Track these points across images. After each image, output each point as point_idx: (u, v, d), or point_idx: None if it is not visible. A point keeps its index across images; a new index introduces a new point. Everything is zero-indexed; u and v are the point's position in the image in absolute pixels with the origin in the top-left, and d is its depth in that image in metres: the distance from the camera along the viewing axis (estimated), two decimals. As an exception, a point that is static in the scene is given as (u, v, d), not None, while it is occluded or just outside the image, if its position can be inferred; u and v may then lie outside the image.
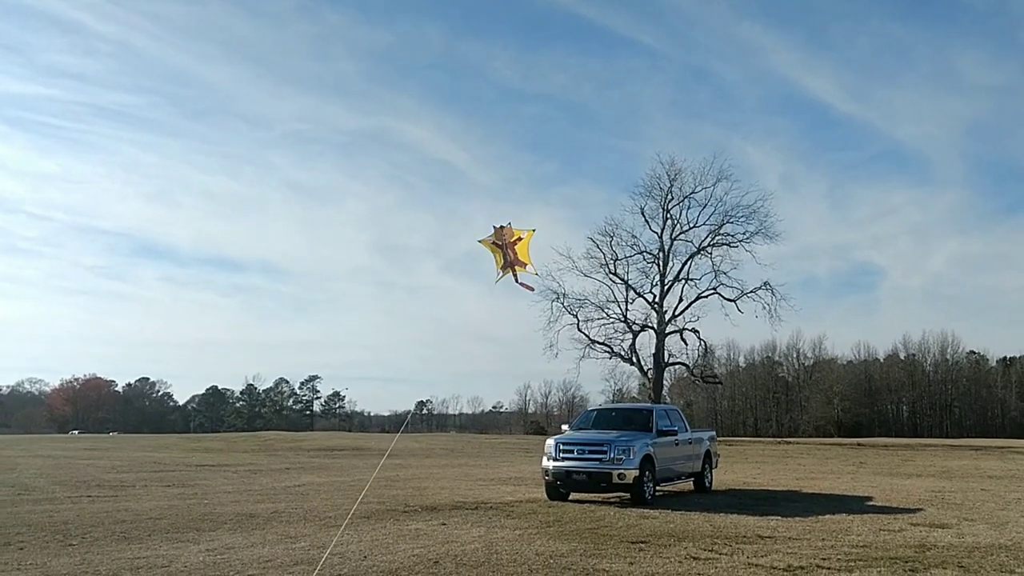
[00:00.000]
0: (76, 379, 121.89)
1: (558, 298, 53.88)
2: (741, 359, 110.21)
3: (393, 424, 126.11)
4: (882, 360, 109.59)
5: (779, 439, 65.08)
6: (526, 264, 10.57)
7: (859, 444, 52.89)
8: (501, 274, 10.57)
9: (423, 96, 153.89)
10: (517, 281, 10.67)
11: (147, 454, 31.83)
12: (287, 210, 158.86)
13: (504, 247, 10.48)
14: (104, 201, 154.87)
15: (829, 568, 8.92)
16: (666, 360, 56.09)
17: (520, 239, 10.52)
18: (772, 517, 13.48)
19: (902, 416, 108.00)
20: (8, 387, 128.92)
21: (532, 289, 11.09)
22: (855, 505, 15.73)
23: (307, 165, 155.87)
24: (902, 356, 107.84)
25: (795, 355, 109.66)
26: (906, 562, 9.27)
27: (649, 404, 24.24)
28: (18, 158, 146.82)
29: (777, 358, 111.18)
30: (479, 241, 10.73)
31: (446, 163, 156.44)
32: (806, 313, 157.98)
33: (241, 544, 10.43)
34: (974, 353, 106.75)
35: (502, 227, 10.57)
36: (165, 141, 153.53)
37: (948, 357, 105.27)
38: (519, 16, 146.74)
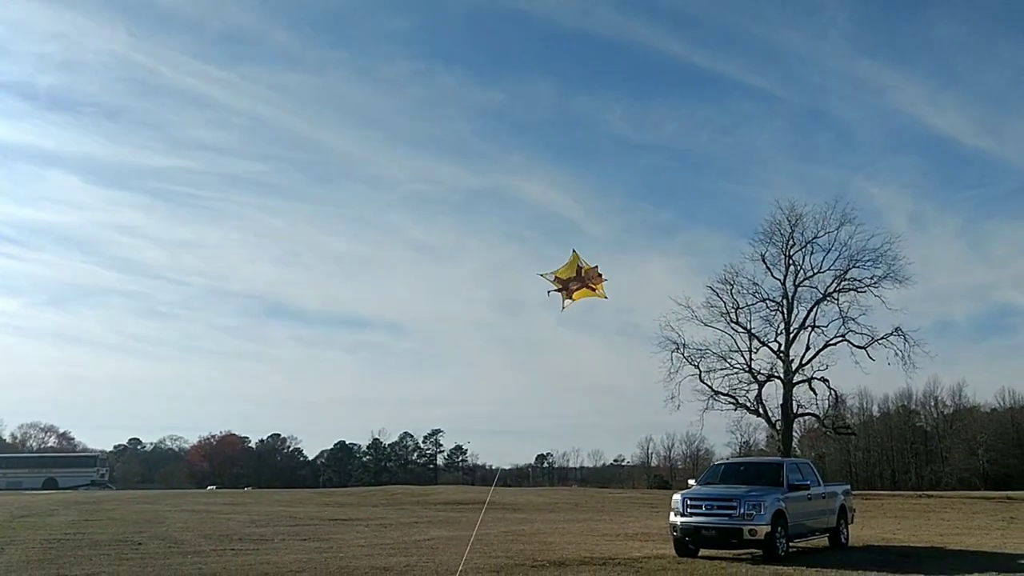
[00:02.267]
0: (212, 436, 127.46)
1: (678, 348, 53.15)
2: (875, 408, 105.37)
3: (514, 477, 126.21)
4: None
5: (919, 492, 61.64)
6: (573, 300, 10.95)
7: (1008, 497, 49.52)
8: (553, 278, 10.95)
9: (536, 151, 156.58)
10: (560, 294, 10.87)
11: (282, 508, 32.99)
12: (408, 268, 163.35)
13: (578, 277, 10.80)
14: (236, 265, 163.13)
15: (979, 630, 8.54)
16: (794, 411, 54.27)
17: (592, 289, 10.87)
18: (915, 575, 12.92)
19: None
20: (151, 444, 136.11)
21: (559, 294, 11.40)
22: (1005, 563, 14.91)
23: (426, 224, 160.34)
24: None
25: (933, 403, 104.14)
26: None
27: (779, 458, 23.65)
28: (158, 227, 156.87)
29: (914, 407, 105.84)
30: (574, 250, 11.00)
31: (560, 216, 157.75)
32: (944, 358, 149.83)
33: (378, 597, 10.78)
34: None
35: (595, 267, 10.89)
36: (292, 205, 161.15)
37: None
38: (630, 67, 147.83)
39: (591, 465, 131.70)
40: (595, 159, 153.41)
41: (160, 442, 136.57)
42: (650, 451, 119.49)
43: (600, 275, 11.04)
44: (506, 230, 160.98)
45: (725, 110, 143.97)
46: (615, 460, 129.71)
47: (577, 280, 10.67)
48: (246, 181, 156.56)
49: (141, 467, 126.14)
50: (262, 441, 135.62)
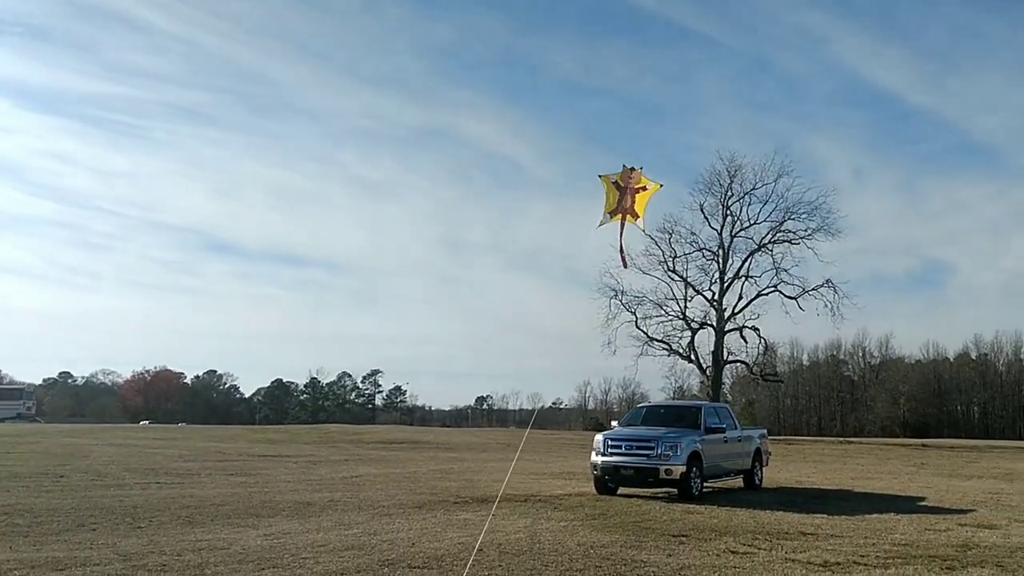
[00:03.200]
0: (147, 371, 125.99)
1: (616, 295, 53.94)
2: (805, 357, 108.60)
3: (453, 418, 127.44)
4: (952, 360, 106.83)
5: (841, 439, 64.03)
6: (639, 217, 9.98)
7: (923, 445, 51.84)
8: (607, 218, 9.99)
9: (484, 91, 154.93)
10: (621, 237, 9.99)
11: (213, 444, 32.94)
12: (350, 205, 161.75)
13: (625, 190, 9.96)
14: (174, 196, 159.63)
15: (866, 565, 9.04)
16: (725, 358, 55.74)
17: (645, 188, 9.99)
18: (818, 515, 13.54)
19: (972, 417, 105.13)
20: (83, 378, 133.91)
21: (626, 266, 10.67)
22: (905, 505, 15.66)
23: (370, 161, 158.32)
24: (973, 356, 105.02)
25: (861, 354, 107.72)
26: (944, 560, 9.33)
27: (698, 401, 24.35)
28: (92, 155, 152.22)
29: (842, 356, 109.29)
30: (600, 176, 10.12)
31: (507, 158, 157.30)
32: (875, 310, 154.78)
33: (297, 530, 10.95)
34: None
35: (632, 169, 10.05)
36: (232, 137, 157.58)
37: (1022, 357, 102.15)
38: (580, 9, 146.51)
39: (530, 407, 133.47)
40: (544, 101, 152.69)
41: (92, 376, 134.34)
42: (587, 395, 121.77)
43: (632, 169, 10.02)
44: (452, 169, 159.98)
45: (673, 57, 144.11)
46: (554, 403, 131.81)
47: (625, 193, 9.84)
48: (185, 111, 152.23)
49: (72, 401, 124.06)
50: (198, 377, 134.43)
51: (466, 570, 8.16)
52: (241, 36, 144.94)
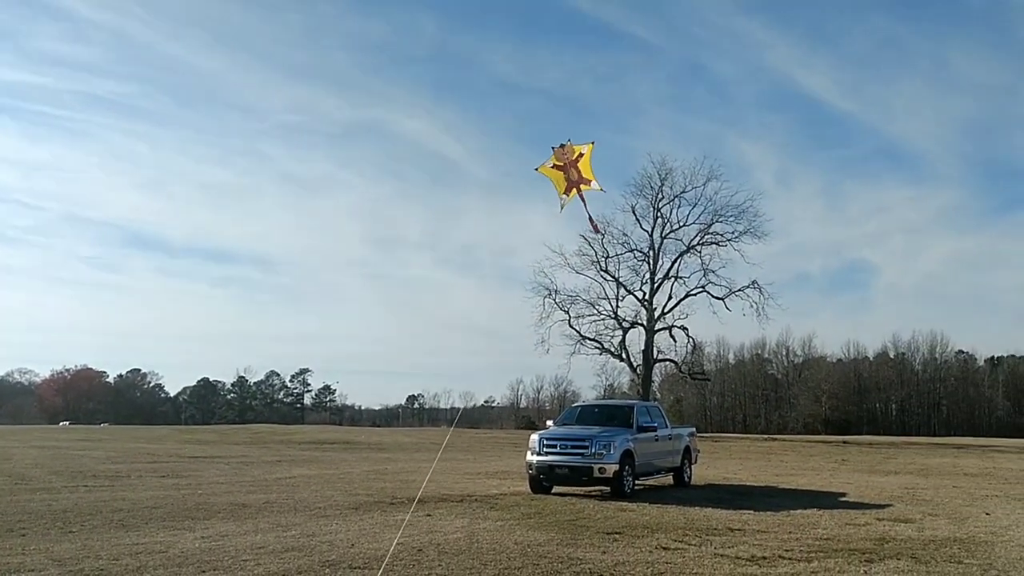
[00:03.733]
0: (67, 370, 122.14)
1: (550, 294, 54.50)
2: (731, 356, 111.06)
3: (383, 418, 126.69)
4: (872, 358, 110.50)
5: (766, 436, 65.75)
6: (591, 180, 10.04)
7: (844, 442, 53.56)
8: (566, 198, 10.09)
9: (418, 88, 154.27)
10: (587, 209, 10.10)
11: (141, 445, 32.27)
12: (280, 201, 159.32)
13: (567, 167, 10.04)
14: (97, 191, 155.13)
15: (791, 559, 9.47)
16: (655, 357, 56.72)
17: (581, 155, 10.04)
18: (745, 511, 14.03)
19: (891, 414, 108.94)
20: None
21: (602, 233, 10.70)
22: (828, 501, 16.30)
23: (301, 156, 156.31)
24: (891, 355, 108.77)
25: (785, 353, 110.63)
26: (863, 553, 9.83)
27: (630, 401, 24.83)
28: (10, 146, 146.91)
29: (767, 355, 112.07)
30: (536, 169, 10.20)
31: (441, 156, 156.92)
32: (799, 310, 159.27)
33: (235, 532, 10.93)
34: (963, 352, 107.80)
35: (562, 145, 10.09)
36: (158, 130, 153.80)
37: (937, 356, 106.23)
38: (515, 8, 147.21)
39: (462, 406, 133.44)
40: (478, 99, 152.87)
41: (8, 375, 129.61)
42: (520, 393, 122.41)
43: (562, 146, 10.01)
44: (384, 166, 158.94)
45: (607, 59, 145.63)
46: (486, 401, 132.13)
47: (567, 168, 9.91)
48: (108, 102, 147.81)
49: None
50: (120, 376, 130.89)
51: (380, 571, 8.31)
52: (167, 26, 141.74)
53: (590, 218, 9.96)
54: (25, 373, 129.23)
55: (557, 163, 9.96)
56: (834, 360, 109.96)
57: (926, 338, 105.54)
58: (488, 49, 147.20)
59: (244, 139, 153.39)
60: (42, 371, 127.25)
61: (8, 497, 14.56)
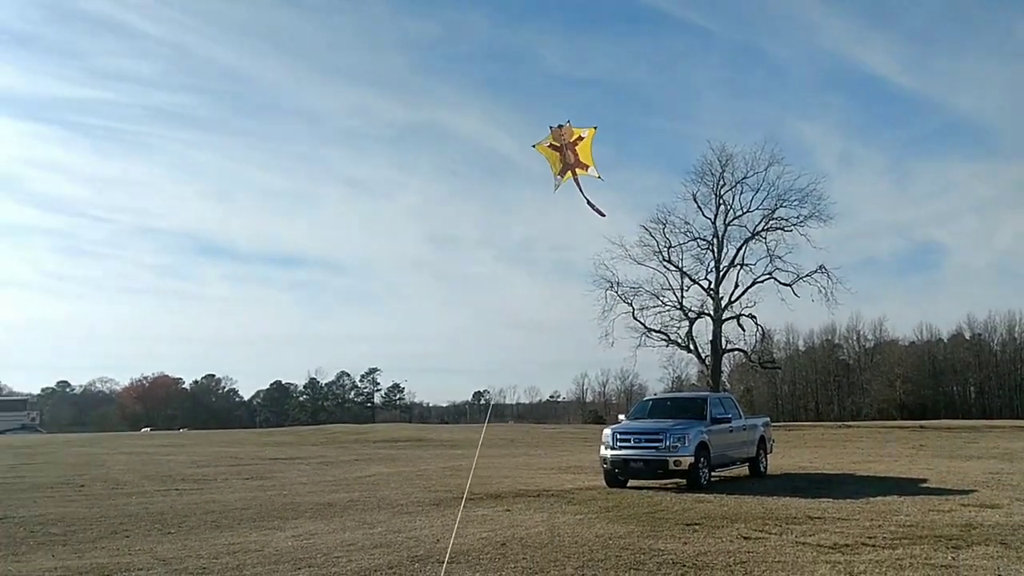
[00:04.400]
0: (145, 377, 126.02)
1: (612, 286, 54.37)
2: (800, 343, 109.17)
3: (451, 414, 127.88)
4: (946, 341, 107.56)
5: (840, 423, 64.60)
6: (588, 166, 9.69)
7: (921, 427, 52.34)
8: (559, 180, 9.76)
9: (470, 86, 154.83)
10: (582, 191, 9.65)
11: (222, 449, 33.28)
12: (342, 205, 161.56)
13: (563, 148, 9.72)
14: (165, 201, 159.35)
15: (874, 546, 9.45)
16: (723, 347, 56.22)
17: (581, 138, 9.71)
18: (824, 499, 13.96)
19: (969, 397, 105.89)
20: (81, 386, 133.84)
21: (604, 214, 10.35)
22: (908, 487, 16.08)
23: (359, 160, 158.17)
24: (967, 336, 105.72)
25: (855, 337, 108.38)
26: (950, 540, 9.75)
27: (703, 392, 24.78)
28: (83, 162, 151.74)
29: (837, 341, 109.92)
30: (533, 146, 9.89)
31: (496, 152, 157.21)
32: (868, 294, 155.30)
33: (323, 530, 11.34)
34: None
35: (560, 126, 9.80)
36: (220, 140, 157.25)
37: (1016, 336, 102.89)
38: (566, 0, 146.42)
39: (527, 401, 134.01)
40: (530, 94, 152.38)
41: (90, 384, 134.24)
42: (585, 387, 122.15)
43: (560, 126, 9.69)
44: (441, 165, 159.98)
45: (660, 45, 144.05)
46: (551, 396, 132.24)
47: (564, 150, 9.61)
48: (171, 114, 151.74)
49: (71, 410, 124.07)
50: (196, 382, 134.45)
51: (443, 566, 8.54)
52: (225, 37, 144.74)
53: (588, 203, 9.65)
54: (106, 382, 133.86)
55: (554, 143, 9.69)
56: (907, 343, 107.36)
57: (1004, 318, 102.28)
58: (540, 43, 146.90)
59: (304, 145, 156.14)
60: (122, 379, 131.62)
61: (108, 501, 15.26)
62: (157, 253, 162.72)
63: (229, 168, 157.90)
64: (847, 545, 9.51)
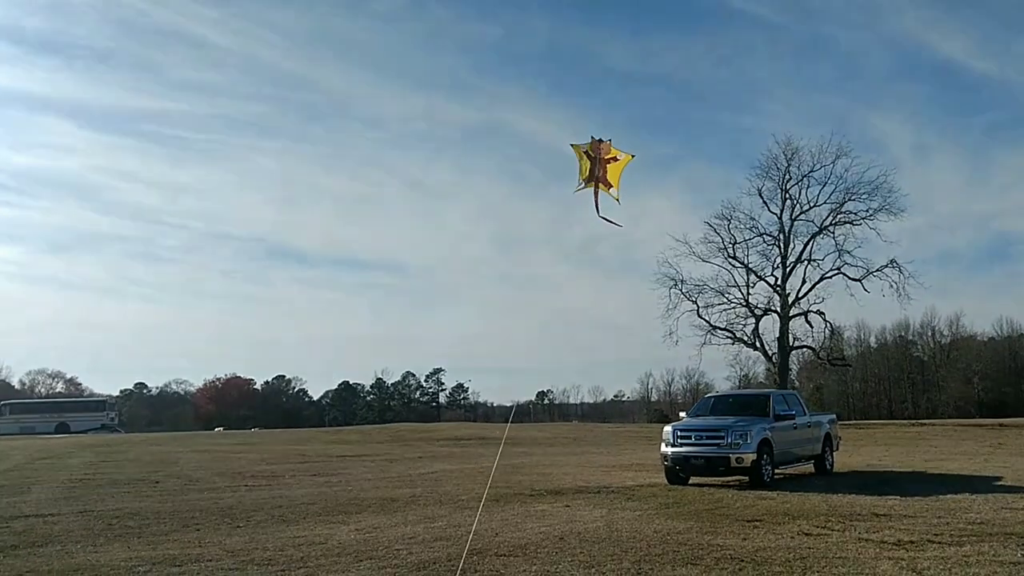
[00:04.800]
0: (218, 379, 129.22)
1: (676, 284, 53.73)
2: (872, 340, 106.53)
3: (515, 414, 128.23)
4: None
5: (913, 421, 62.93)
6: (612, 186, 9.84)
7: (1000, 425, 50.63)
8: (582, 184, 9.89)
9: (532, 86, 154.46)
10: (597, 204, 9.84)
11: (291, 447, 33.96)
12: (407, 207, 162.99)
13: (596, 160, 9.88)
14: (235, 207, 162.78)
15: (940, 543, 9.27)
16: (791, 344, 55.20)
17: (616, 159, 9.91)
18: (890, 497, 13.69)
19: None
20: (157, 388, 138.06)
21: (620, 225, 10.33)
22: (981, 485, 15.65)
23: (424, 163, 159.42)
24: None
25: (930, 333, 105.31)
26: (1021, 537, 9.50)
27: (766, 389, 24.47)
28: (157, 171, 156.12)
29: (911, 337, 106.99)
30: (572, 144, 10.02)
31: (558, 151, 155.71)
32: (944, 289, 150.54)
33: (386, 524, 11.56)
34: None
35: (600, 140, 9.92)
36: (288, 146, 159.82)
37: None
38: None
39: (591, 401, 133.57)
40: (593, 93, 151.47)
41: (166, 386, 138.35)
42: (650, 386, 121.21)
43: (600, 140, 9.86)
44: (504, 166, 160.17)
45: (725, 40, 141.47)
46: (616, 396, 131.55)
47: (596, 164, 9.75)
48: (241, 122, 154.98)
49: (148, 411, 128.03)
50: (267, 383, 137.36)
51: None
52: (292, 46, 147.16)
53: (600, 215, 9.66)
54: (181, 383, 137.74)
55: (590, 152, 9.85)
56: (985, 339, 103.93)
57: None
58: (601, 40, 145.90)
59: (370, 150, 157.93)
60: (196, 381, 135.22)
61: (180, 496, 15.77)
62: (228, 258, 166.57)
63: (297, 174, 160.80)
64: (912, 542, 9.34)
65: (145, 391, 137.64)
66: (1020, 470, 18.89)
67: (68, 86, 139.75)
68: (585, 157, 9.81)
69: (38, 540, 10.60)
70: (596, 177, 9.67)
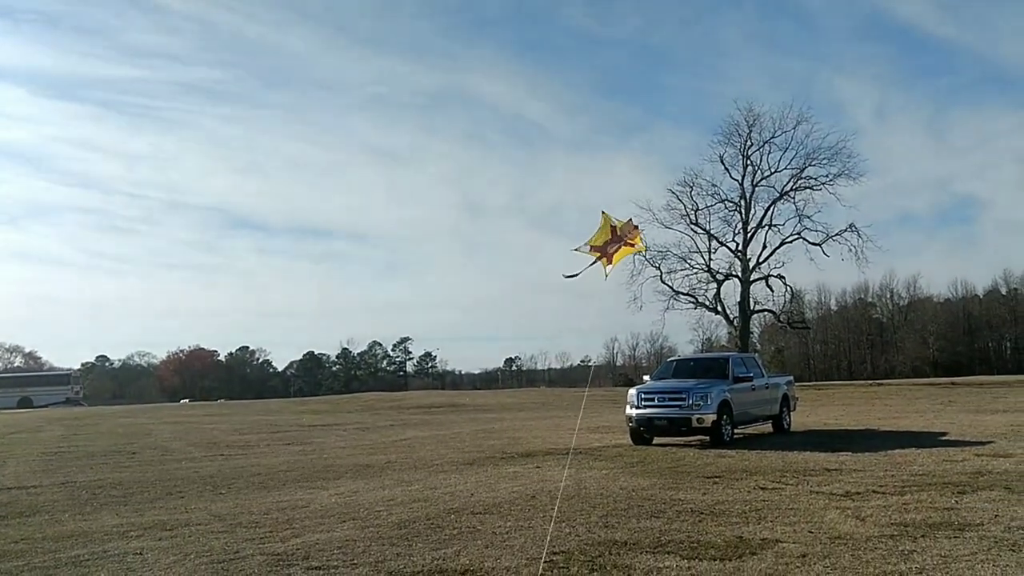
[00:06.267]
0: (182, 351, 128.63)
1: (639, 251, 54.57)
2: (833, 302, 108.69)
3: (483, 381, 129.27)
4: (982, 296, 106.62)
5: (871, 381, 64.69)
6: (611, 265, 10.05)
7: (953, 383, 52.31)
8: (586, 248, 10.03)
9: (496, 50, 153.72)
10: (584, 269, 9.96)
11: (261, 417, 34.33)
12: (370, 174, 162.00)
13: (619, 240, 10.08)
14: (195, 176, 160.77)
15: (884, 493, 9.98)
16: (752, 308, 56.34)
17: (633, 246, 10.14)
18: (843, 453, 14.47)
19: (1005, 353, 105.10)
20: (120, 361, 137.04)
21: (600, 263, 10.48)
22: (927, 440, 16.53)
23: (387, 128, 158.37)
24: (1003, 291, 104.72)
25: (889, 295, 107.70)
26: (957, 486, 10.25)
27: (726, 353, 25.31)
28: (115, 139, 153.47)
29: (870, 299, 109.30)
30: (603, 212, 10.30)
31: (523, 116, 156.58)
32: (904, 251, 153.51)
33: (364, 488, 12.06)
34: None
35: (636, 226, 10.18)
36: (249, 113, 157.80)
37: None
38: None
39: (559, 367, 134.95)
40: (558, 56, 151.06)
41: (128, 358, 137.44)
42: (615, 351, 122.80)
43: (636, 227, 10.28)
44: (469, 132, 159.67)
45: (689, 1, 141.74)
46: (582, 361, 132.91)
47: (614, 241, 9.93)
48: (200, 89, 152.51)
49: (111, 384, 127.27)
50: (231, 354, 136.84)
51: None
52: (251, 9, 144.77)
53: (577, 274, 9.98)
54: (144, 356, 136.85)
55: (619, 230, 10.03)
56: (941, 300, 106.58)
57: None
58: (566, 3, 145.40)
59: (332, 115, 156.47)
60: (159, 353, 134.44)
61: (159, 466, 16.15)
62: (189, 228, 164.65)
63: (258, 141, 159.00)
64: (858, 493, 10.04)
65: (107, 364, 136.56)
66: (965, 425, 19.85)
67: (16, 52, 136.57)
68: (609, 231, 9.99)
69: (25, 510, 10.95)
70: (607, 253, 9.85)
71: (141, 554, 7.89)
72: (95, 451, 19.78)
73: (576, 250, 10.13)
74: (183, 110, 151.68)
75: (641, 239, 10.20)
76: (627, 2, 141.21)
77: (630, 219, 10.23)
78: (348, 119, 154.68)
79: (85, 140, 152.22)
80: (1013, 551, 6.85)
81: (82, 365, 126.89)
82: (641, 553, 7.24)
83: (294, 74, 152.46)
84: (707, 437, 16.80)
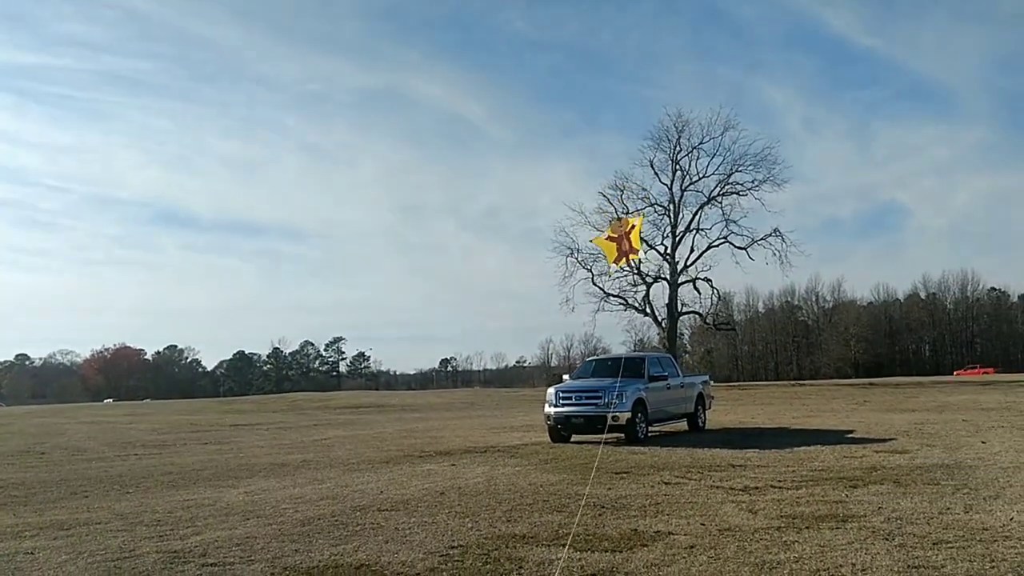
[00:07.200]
0: (106, 349, 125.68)
1: (572, 253, 55.06)
2: (760, 305, 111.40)
3: (418, 382, 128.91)
4: (902, 300, 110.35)
5: (792, 382, 66.42)
6: (637, 250, 10.84)
7: (871, 383, 54.11)
8: (614, 268, 11.18)
9: (434, 51, 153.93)
10: (629, 264, 10.99)
11: (183, 417, 33.72)
12: (304, 172, 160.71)
13: (620, 238, 10.70)
14: (121, 170, 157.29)
15: (781, 488, 10.32)
16: (680, 310, 57.37)
17: (633, 227, 10.80)
18: (750, 450, 14.88)
19: (923, 355, 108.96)
20: (40, 359, 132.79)
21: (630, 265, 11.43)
22: (834, 438, 17.07)
23: (321, 126, 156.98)
24: (923, 295, 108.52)
25: (814, 299, 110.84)
26: (850, 480, 10.65)
27: (642, 353, 25.82)
28: (35, 130, 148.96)
29: (796, 302, 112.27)
30: (591, 240, 11.35)
31: (461, 118, 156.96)
32: (829, 256, 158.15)
33: (275, 487, 12.00)
34: (995, 290, 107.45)
35: (619, 218, 10.99)
36: (178, 106, 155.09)
37: (969, 295, 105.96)
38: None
39: (494, 367, 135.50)
40: (496, 59, 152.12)
41: (50, 356, 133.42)
42: (550, 351, 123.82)
43: (619, 218, 11.01)
44: (405, 132, 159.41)
45: (626, 9, 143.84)
46: (517, 361, 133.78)
47: (623, 239, 10.68)
48: (127, 80, 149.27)
49: (31, 382, 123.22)
50: (158, 353, 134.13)
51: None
52: (182, 2, 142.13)
53: (630, 265, 10.85)
54: (67, 354, 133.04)
55: (612, 235, 10.70)
56: (864, 304, 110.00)
57: (957, 277, 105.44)
58: (504, 6, 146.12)
59: (264, 111, 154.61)
60: (83, 351, 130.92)
61: (68, 466, 15.79)
62: (114, 223, 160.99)
63: (187, 136, 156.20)
64: (756, 488, 10.37)
65: (28, 362, 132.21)
66: (872, 424, 20.54)
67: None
68: (608, 242, 10.66)
69: (-81, 511, 10.62)
70: (624, 252, 10.53)
71: (33, 553, 7.75)
72: (2, 451, 19.29)
73: (612, 275, 11.11)
74: (109, 101, 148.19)
75: (630, 218, 10.94)
76: (565, 8, 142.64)
77: (611, 219, 10.92)
78: (282, 116, 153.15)
79: (4, 131, 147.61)
80: (887, 540, 7.18)
81: (0, 364, 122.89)
82: (537, 546, 7.38)
83: (224, 68, 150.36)
84: (623, 435, 17.10)
